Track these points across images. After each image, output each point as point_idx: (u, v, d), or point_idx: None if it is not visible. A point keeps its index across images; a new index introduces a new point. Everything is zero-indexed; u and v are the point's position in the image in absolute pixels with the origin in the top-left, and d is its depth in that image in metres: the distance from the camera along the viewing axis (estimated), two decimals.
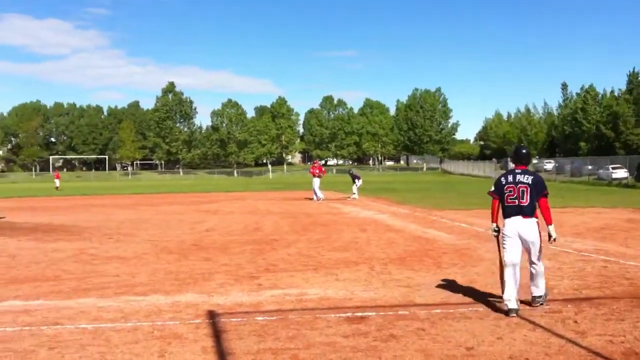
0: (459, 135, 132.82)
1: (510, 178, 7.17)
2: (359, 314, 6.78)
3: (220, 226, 17.18)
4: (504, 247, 7.16)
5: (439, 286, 8.32)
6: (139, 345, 5.71)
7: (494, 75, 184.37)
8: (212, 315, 6.80)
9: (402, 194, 32.81)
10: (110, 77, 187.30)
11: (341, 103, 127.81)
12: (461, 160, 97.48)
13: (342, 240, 13.60)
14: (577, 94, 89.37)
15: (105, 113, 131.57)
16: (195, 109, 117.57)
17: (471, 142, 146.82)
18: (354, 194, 29.30)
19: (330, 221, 18.33)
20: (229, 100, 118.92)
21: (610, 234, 14.26)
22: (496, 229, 7.40)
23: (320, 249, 12.26)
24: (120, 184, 64.72)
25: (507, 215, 7.13)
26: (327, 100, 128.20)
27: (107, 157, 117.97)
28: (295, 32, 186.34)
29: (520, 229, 7.02)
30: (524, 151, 7.41)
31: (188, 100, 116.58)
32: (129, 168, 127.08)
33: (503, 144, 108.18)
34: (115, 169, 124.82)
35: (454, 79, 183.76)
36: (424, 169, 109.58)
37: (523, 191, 7.03)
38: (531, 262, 7.22)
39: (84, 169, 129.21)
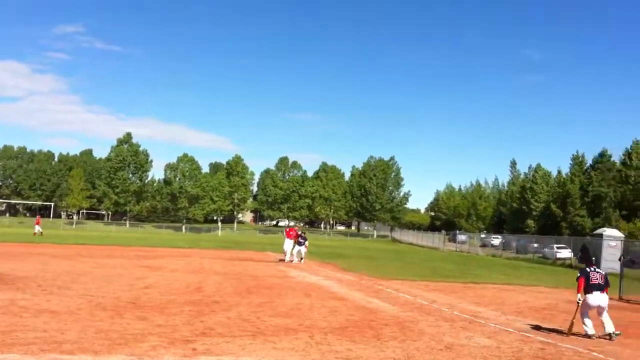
0: (410, 205, 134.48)
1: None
2: None
3: (160, 284, 16.72)
4: None
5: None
6: None
7: (447, 148, 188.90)
8: None
9: (350, 261, 32.74)
10: (65, 123, 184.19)
11: (296, 165, 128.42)
12: (411, 230, 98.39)
13: (285, 306, 13.39)
14: (525, 173, 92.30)
15: (56, 159, 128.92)
16: (151, 161, 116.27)
17: (422, 212, 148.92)
18: (302, 257, 28.87)
19: (275, 285, 18.08)
20: (185, 155, 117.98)
21: (550, 315, 14.46)
22: None
23: (261, 313, 12.02)
24: (63, 233, 62.82)
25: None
26: (283, 161, 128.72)
27: (53, 204, 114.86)
28: (256, 91, 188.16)
29: None
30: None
31: (144, 151, 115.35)
32: (75, 217, 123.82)
33: (453, 215, 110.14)
34: (60, 216, 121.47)
35: (409, 149, 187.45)
36: (374, 236, 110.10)
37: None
38: None
39: (28, 215, 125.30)
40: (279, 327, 10.47)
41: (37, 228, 52.48)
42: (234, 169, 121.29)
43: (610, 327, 11.12)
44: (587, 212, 70.91)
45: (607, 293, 11.50)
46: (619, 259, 23.29)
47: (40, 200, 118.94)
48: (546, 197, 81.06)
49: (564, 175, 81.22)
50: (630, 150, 72.70)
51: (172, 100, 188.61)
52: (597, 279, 11.42)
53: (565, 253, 44.78)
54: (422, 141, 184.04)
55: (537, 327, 12.17)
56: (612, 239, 37.28)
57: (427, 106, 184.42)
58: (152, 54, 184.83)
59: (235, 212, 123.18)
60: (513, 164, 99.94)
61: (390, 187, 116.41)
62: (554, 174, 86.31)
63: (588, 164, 77.76)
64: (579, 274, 11.61)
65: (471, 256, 51.25)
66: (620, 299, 19.92)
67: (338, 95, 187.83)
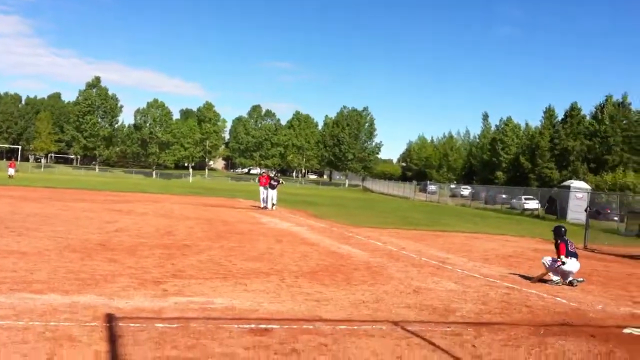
0: (382, 155, 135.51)
1: None
2: (263, 326, 6.67)
3: (131, 227, 16.64)
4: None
5: (346, 302, 8.33)
6: (27, 346, 5.39)
7: (421, 99, 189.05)
8: (110, 319, 6.51)
9: (321, 208, 32.96)
10: (31, 66, 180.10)
11: (269, 114, 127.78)
12: (383, 180, 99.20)
13: (256, 250, 13.46)
14: (496, 126, 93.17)
15: (23, 102, 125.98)
16: (120, 106, 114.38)
17: (394, 162, 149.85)
18: (273, 204, 28.97)
19: (247, 230, 18.14)
20: (155, 100, 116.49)
21: (517, 262, 14.77)
22: None
23: (232, 257, 12.06)
24: (31, 176, 61.93)
25: None
26: (256, 109, 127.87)
27: (20, 147, 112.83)
28: (229, 38, 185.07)
29: None
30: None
31: (114, 96, 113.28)
32: (43, 160, 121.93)
33: (424, 166, 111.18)
34: (28, 160, 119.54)
35: (382, 100, 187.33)
36: (346, 185, 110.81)
37: None
38: None
39: None
40: (250, 271, 10.53)
41: (11, 171, 52.39)
42: (206, 115, 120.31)
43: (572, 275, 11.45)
44: (556, 165, 72.07)
45: None
46: (585, 210, 23.80)
47: (7, 144, 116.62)
48: (516, 150, 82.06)
49: (534, 128, 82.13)
50: (602, 105, 73.51)
51: (141, 45, 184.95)
52: (573, 247, 11.75)
53: (533, 204, 45.64)
54: (396, 92, 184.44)
55: (502, 274, 12.43)
56: (579, 190, 38.05)
57: (401, 57, 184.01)
58: None
59: (206, 159, 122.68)
60: (485, 116, 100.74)
61: (363, 137, 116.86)
62: (524, 127, 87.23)
63: (558, 118, 78.58)
64: (558, 240, 11.74)
65: (441, 206, 51.95)
66: (585, 248, 20.41)
67: (313, 44, 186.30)
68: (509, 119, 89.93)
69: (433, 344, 6.43)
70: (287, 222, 22.46)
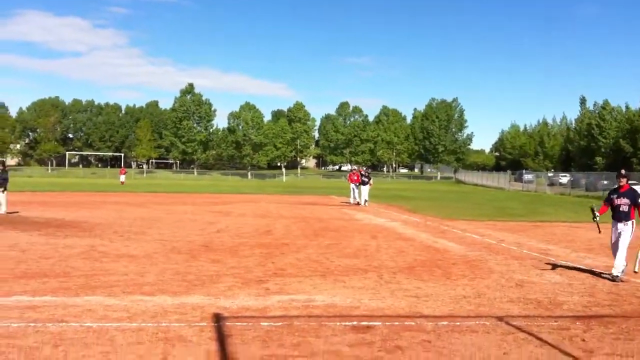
0: (474, 146, 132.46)
1: None
2: (365, 323, 6.73)
3: (231, 228, 17.19)
4: None
5: (447, 298, 8.26)
6: (142, 347, 5.69)
7: (512, 86, 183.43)
8: (217, 319, 6.78)
9: (414, 202, 32.69)
10: (128, 76, 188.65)
11: (357, 110, 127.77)
12: (475, 171, 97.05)
13: (352, 247, 13.56)
14: (592, 110, 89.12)
15: (123, 111, 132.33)
16: (214, 111, 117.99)
17: (487, 152, 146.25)
18: (366, 200, 29.03)
19: (342, 227, 18.29)
20: (247, 103, 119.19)
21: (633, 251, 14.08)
22: None
23: (329, 255, 12.22)
24: (135, 182, 65.03)
25: None
26: (343, 106, 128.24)
27: (123, 154, 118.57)
28: (312, 37, 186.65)
29: None
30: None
31: (207, 101, 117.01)
32: (145, 166, 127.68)
33: (519, 155, 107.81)
34: (130, 166, 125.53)
35: (471, 89, 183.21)
36: (438, 177, 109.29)
37: None
38: None
39: (100, 165, 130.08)
40: (348, 268, 10.63)
41: (122, 177, 56.47)
42: (296, 115, 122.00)
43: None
44: None
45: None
46: None
47: (110, 151, 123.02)
48: (615, 134, 78.08)
49: (633, 110, 77.85)
50: None
51: (230, 49, 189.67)
52: None
53: (638, 188, 43.23)
54: (486, 81, 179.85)
55: (609, 264, 11.89)
56: None
57: (489, 44, 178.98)
58: (208, 5, 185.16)
59: (298, 158, 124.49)
60: (583, 100, 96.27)
61: (454, 129, 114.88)
62: (625, 109, 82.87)
63: None
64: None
65: (538, 195, 50.24)
66: None
67: (396, 37, 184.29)
68: (606, 102, 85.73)
69: (540, 338, 6.27)
70: (381, 217, 22.45)
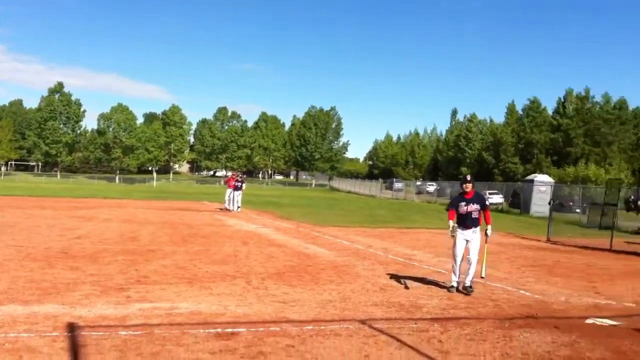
0: (349, 154, 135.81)
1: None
2: (230, 330, 6.59)
3: (93, 234, 16.34)
4: None
5: (313, 302, 8.30)
6: None
7: (388, 98, 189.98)
8: (72, 328, 6.37)
9: (288, 209, 32.87)
10: None
11: (235, 115, 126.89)
12: (349, 179, 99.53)
13: (222, 253, 13.34)
14: (461, 122, 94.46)
15: None
16: (84, 111, 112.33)
17: (361, 161, 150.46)
18: (238, 206, 28.82)
19: (212, 233, 17.97)
20: (119, 104, 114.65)
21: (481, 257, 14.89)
22: None
23: (197, 261, 11.93)
24: None
25: None
26: (221, 111, 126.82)
27: None
28: (193, 40, 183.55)
29: None
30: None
31: (77, 102, 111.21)
32: (2, 168, 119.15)
33: (391, 164, 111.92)
34: None
35: (349, 99, 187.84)
36: (313, 185, 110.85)
37: None
38: None
39: None
40: (216, 274, 10.42)
41: None
42: (171, 119, 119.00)
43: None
44: (519, 159, 73.19)
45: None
46: (549, 203, 24.17)
47: None
48: (480, 145, 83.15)
49: (497, 124, 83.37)
50: (563, 100, 74.86)
51: (105, 49, 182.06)
52: None
53: (497, 198, 46.16)
54: (363, 91, 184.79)
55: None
56: (542, 184, 38.66)
57: (367, 56, 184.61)
58: (82, 1, 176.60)
59: (171, 163, 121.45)
60: (454, 112, 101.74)
61: (330, 137, 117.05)
62: (489, 123, 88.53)
63: (521, 113, 79.90)
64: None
65: (407, 203, 52.31)
66: (549, 240, 20.78)
67: (279, 45, 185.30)
68: (473, 115, 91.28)
69: (400, 340, 6.44)
70: (253, 223, 22.34)
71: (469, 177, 10.00)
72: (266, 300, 8.37)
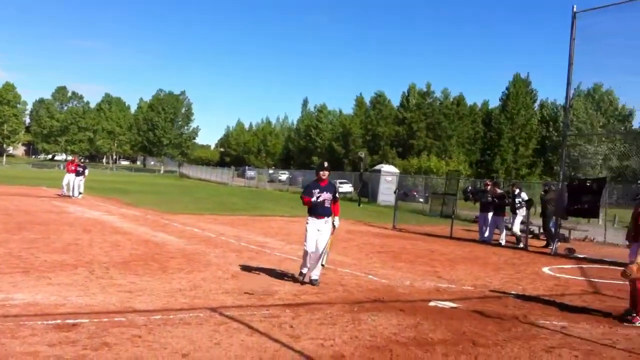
0: (200, 141, 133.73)
1: None
2: (71, 321, 6.17)
3: None
4: None
5: (162, 291, 8.02)
6: None
7: (240, 85, 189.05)
8: None
9: (135, 196, 31.64)
10: None
11: (76, 96, 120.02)
12: (200, 165, 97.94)
13: (62, 242, 12.50)
14: (312, 113, 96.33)
15: None
16: None
17: (212, 148, 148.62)
18: (80, 192, 27.24)
19: (51, 220, 16.81)
20: None
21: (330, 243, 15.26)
22: None
23: (34, 250, 11.09)
24: None
25: None
26: (61, 91, 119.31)
27: None
28: (29, 12, 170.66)
29: None
30: None
31: None
32: None
33: (243, 152, 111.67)
34: None
35: (200, 85, 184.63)
36: (162, 171, 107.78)
37: None
38: None
39: None
40: (56, 263, 9.75)
41: None
42: (4, 97, 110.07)
43: None
44: (367, 150, 76.09)
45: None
46: (394, 193, 25.30)
47: None
48: (330, 135, 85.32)
49: (346, 115, 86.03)
50: (407, 94, 78.62)
51: None
52: None
53: (347, 187, 47.67)
54: (215, 77, 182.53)
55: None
56: (389, 174, 40.47)
57: (220, 42, 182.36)
58: None
59: (4, 145, 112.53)
60: (305, 102, 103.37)
61: (180, 122, 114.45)
62: (338, 114, 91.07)
63: (369, 105, 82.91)
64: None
65: (259, 191, 52.51)
66: (394, 228, 21.76)
67: (124, 24, 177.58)
68: (323, 105, 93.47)
69: (252, 327, 6.40)
70: (96, 210, 21.23)
71: (326, 164, 9.64)
72: (111, 290, 7.96)
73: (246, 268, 10.43)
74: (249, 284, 8.87)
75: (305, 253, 9.27)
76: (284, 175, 66.82)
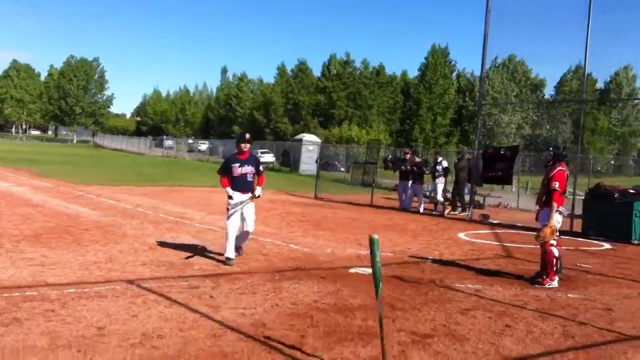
0: (115, 109, 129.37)
1: None
2: None
3: None
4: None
5: (75, 264, 7.75)
6: None
7: (156, 51, 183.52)
8: None
9: (46, 167, 30.30)
10: None
11: None
12: (116, 135, 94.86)
13: None
14: (232, 82, 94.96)
15: None
16: None
17: (128, 117, 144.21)
18: None
19: None
20: None
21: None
22: None
23: None
24: None
25: None
26: None
27: None
28: None
29: None
30: None
31: None
32: None
33: (160, 121, 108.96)
34: None
35: (115, 50, 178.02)
36: (74, 141, 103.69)
37: None
38: None
39: None
40: None
41: None
42: None
43: None
44: (289, 119, 75.88)
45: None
46: (316, 162, 25.35)
47: None
48: (251, 105, 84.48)
49: (267, 84, 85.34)
50: (328, 64, 78.54)
51: None
52: None
53: (269, 157, 47.46)
54: (130, 44, 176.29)
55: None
56: (310, 143, 40.52)
57: (133, 7, 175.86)
58: None
59: None
60: (224, 70, 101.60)
61: (93, 90, 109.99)
62: (259, 82, 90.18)
63: (290, 74, 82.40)
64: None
65: (178, 161, 51.52)
66: (316, 197, 21.89)
67: None
68: (244, 74, 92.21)
69: (170, 299, 6.29)
70: (4, 182, 20.22)
71: (248, 136, 8.98)
72: (21, 264, 7.62)
73: (164, 239, 10.22)
74: (167, 256, 8.70)
75: (230, 234, 8.51)
76: (203, 145, 65.80)
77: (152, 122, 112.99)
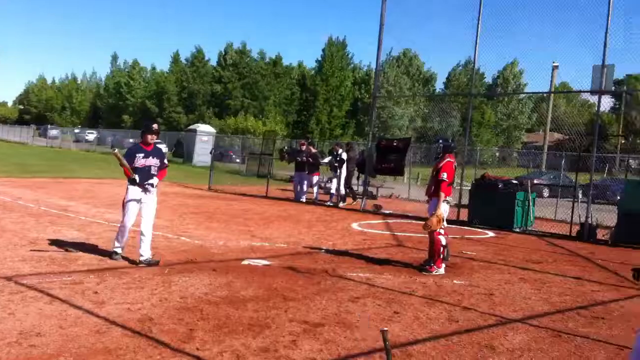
0: None
1: None
2: None
3: None
4: None
5: None
6: None
7: (41, 36, 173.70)
8: None
9: None
10: None
11: None
12: None
13: None
14: (123, 69, 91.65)
15: None
16: None
17: (9, 105, 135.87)
18: None
19: None
20: None
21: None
22: None
23: None
24: None
25: None
26: None
27: None
28: None
29: None
30: None
31: None
32: None
33: (45, 109, 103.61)
34: None
35: None
36: None
37: None
38: None
39: None
40: None
41: None
42: None
43: None
44: (183, 109, 74.31)
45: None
46: (210, 153, 24.91)
47: None
48: (143, 93, 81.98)
49: (160, 72, 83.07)
50: (224, 53, 77.46)
51: None
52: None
53: (162, 148, 46.21)
54: (12, 25, 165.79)
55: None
56: (205, 134, 39.82)
57: None
58: None
59: None
60: (114, 58, 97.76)
61: None
62: (151, 70, 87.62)
63: (185, 63, 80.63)
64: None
65: (64, 151, 49.16)
66: (210, 189, 21.54)
67: None
68: (135, 62, 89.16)
69: (51, 295, 5.97)
70: None
71: (155, 127, 8.35)
72: None
73: (46, 233, 9.69)
74: (48, 250, 8.25)
75: (123, 228, 8.01)
76: (91, 135, 63.03)
77: (37, 110, 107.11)
